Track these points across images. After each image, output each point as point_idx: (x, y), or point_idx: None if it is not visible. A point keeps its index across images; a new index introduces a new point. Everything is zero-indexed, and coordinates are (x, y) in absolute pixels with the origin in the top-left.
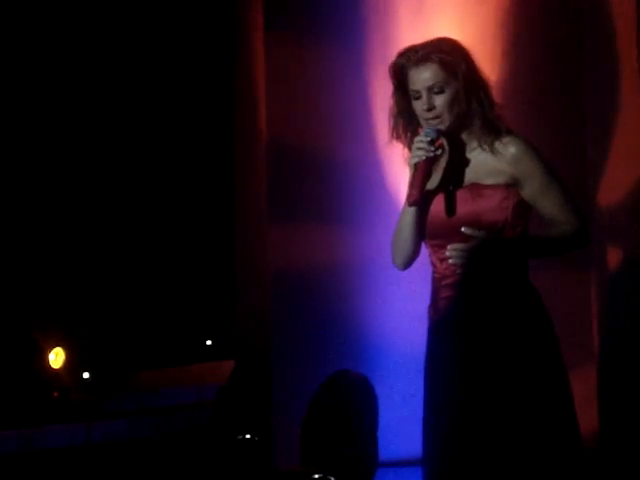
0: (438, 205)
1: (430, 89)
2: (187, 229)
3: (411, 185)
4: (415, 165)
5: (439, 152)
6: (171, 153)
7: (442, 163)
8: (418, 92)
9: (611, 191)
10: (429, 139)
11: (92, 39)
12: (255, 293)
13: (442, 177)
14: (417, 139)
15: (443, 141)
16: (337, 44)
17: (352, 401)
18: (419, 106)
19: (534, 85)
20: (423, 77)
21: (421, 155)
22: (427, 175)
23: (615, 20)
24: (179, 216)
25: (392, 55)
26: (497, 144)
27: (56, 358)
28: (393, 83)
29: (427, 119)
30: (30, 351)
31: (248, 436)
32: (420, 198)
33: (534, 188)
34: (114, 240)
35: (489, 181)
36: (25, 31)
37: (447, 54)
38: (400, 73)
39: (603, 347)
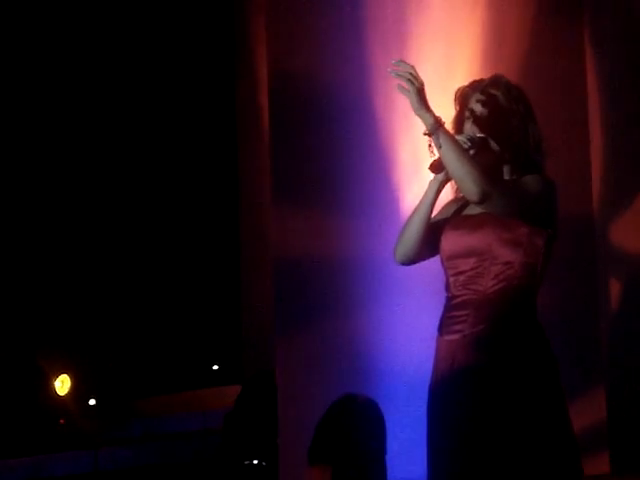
0: (456, 228)
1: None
2: (193, 256)
3: (437, 158)
4: None
5: (471, 150)
6: (174, 178)
7: None
8: (472, 109)
9: (616, 209)
10: (469, 136)
11: (98, 44)
12: (261, 318)
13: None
14: (458, 135)
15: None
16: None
17: (359, 425)
18: (469, 125)
19: (537, 89)
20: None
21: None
22: None
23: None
24: (185, 243)
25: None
26: (518, 180)
27: (62, 385)
28: (455, 109)
29: (478, 137)
30: (36, 378)
31: (255, 461)
32: (436, 170)
33: None
34: (120, 268)
35: None
36: (31, 34)
37: (512, 87)
38: (463, 99)
39: (612, 370)
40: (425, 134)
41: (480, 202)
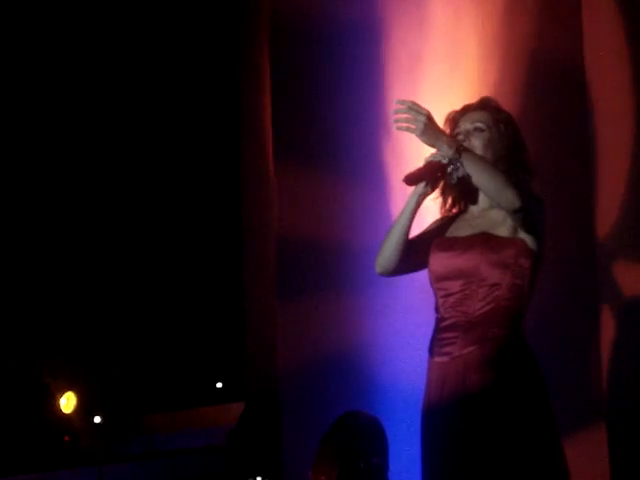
0: (444, 249)
1: (473, 126)
2: (198, 278)
3: (414, 171)
4: (427, 162)
5: (451, 166)
6: (182, 197)
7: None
8: (461, 131)
9: (618, 238)
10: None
11: (98, 35)
12: (265, 336)
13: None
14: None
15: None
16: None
17: (361, 442)
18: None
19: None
20: (473, 117)
21: (436, 157)
22: (430, 174)
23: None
24: (190, 261)
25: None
26: None
27: (67, 403)
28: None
29: None
30: (41, 396)
31: (259, 478)
32: (411, 182)
33: None
34: (125, 286)
35: (498, 232)
36: (34, 33)
37: (500, 109)
38: (453, 122)
39: (612, 402)
40: (445, 164)
41: (521, 209)
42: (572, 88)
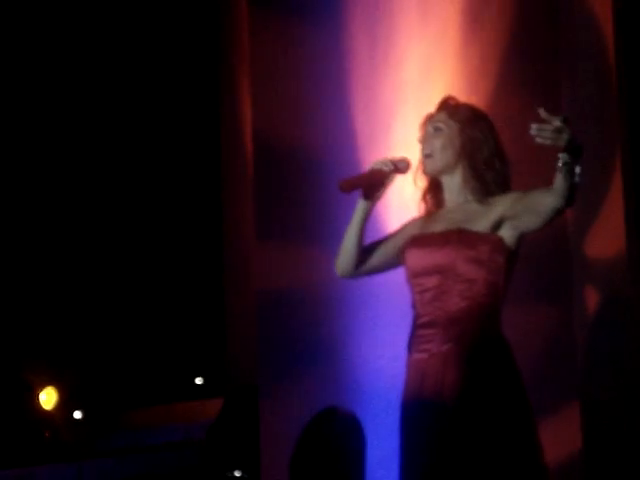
0: (421, 245)
1: (434, 127)
2: (176, 269)
3: (351, 177)
4: (370, 169)
5: (393, 175)
6: (159, 193)
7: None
8: (424, 134)
9: (591, 228)
10: (396, 161)
11: (89, 50)
12: (244, 332)
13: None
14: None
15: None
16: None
17: (339, 439)
18: (420, 147)
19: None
20: (434, 119)
21: (378, 164)
22: (369, 182)
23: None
24: (168, 254)
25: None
26: (488, 199)
27: (47, 398)
28: (421, 132)
29: (424, 156)
30: (21, 391)
31: (237, 473)
32: (345, 189)
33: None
34: (103, 279)
35: (476, 226)
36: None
37: (474, 109)
38: (424, 127)
39: (586, 383)
40: (387, 172)
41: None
42: (547, 80)
